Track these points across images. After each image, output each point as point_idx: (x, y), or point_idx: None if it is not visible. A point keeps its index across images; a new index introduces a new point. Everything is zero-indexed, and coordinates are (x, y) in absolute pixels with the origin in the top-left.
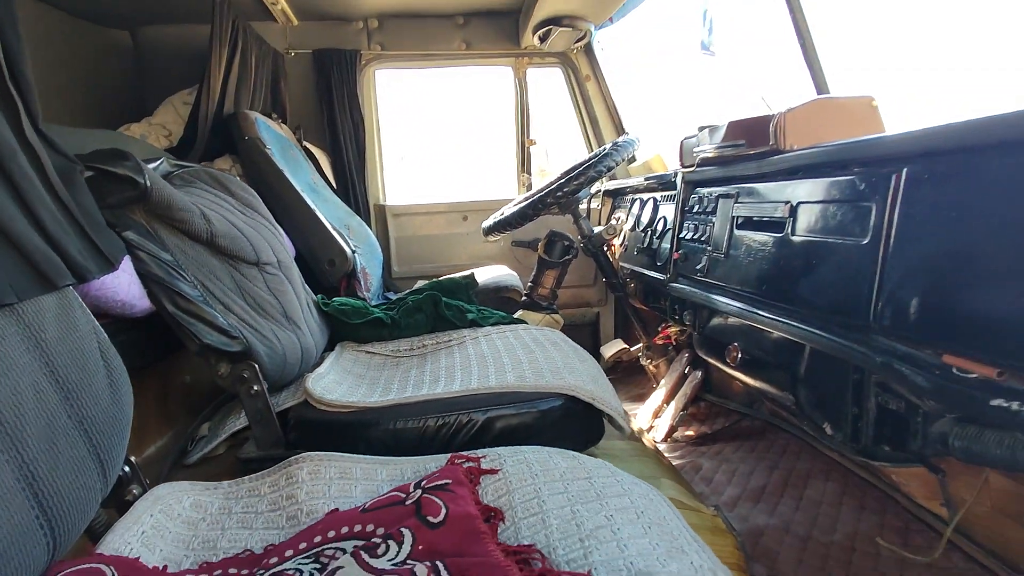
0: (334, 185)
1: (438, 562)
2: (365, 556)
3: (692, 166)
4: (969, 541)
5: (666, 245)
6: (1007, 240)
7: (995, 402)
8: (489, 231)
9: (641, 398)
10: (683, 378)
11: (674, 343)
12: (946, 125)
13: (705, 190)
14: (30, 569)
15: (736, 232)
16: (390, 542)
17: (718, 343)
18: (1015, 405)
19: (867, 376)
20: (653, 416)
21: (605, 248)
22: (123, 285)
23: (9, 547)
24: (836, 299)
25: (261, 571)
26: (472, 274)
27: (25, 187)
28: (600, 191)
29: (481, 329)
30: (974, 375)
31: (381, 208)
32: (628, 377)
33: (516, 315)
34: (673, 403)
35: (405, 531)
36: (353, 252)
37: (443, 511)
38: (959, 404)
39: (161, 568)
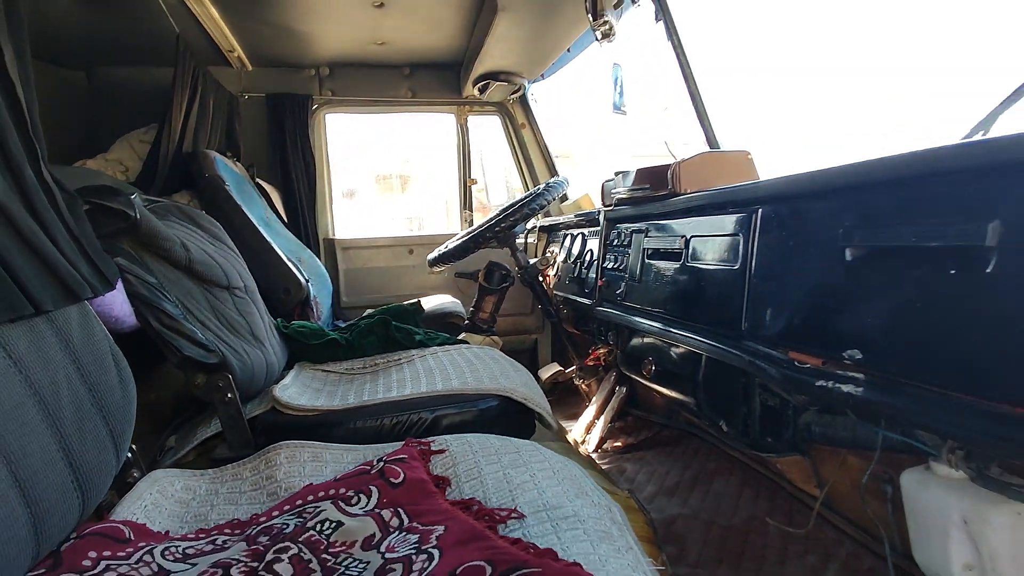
0: (285, 220)
1: (399, 508)
2: (342, 504)
3: (611, 205)
4: (836, 514)
5: (592, 274)
6: (822, 264)
7: (819, 383)
8: (434, 263)
9: (576, 416)
10: (611, 395)
11: (603, 363)
12: (784, 177)
13: (622, 226)
14: (67, 524)
15: (647, 261)
16: (360, 495)
17: (637, 359)
18: (830, 384)
19: (751, 378)
20: (585, 431)
21: (540, 278)
22: (117, 303)
23: (53, 503)
24: (719, 314)
25: (251, 527)
26: (418, 301)
27: (47, 217)
28: (536, 227)
29: (428, 348)
30: (808, 365)
31: (331, 242)
32: (564, 398)
33: (459, 337)
34: (603, 418)
35: (372, 488)
36: (307, 281)
37: (401, 475)
38: (797, 387)
39: (164, 533)
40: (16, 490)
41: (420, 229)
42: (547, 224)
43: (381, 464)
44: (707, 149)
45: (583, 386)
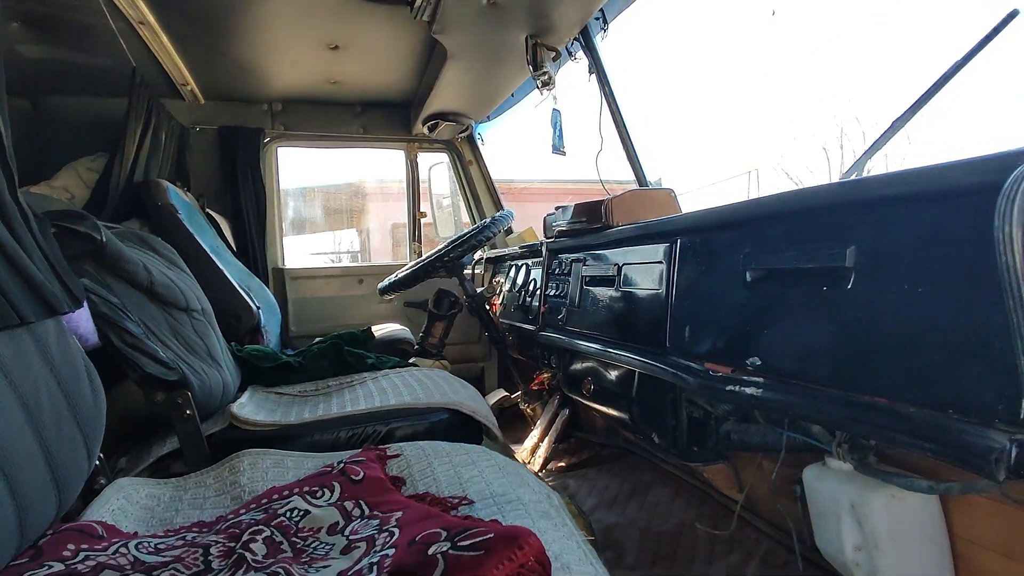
0: (235, 249)
1: (360, 500)
2: (308, 497)
3: (553, 237)
4: (755, 516)
5: (536, 302)
6: (728, 285)
7: (728, 388)
8: (385, 291)
9: (522, 440)
10: (555, 417)
11: (546, 388)
12: (697, 211)
13: (562, 256)
14: (45, 520)
15: (584, 288)
16: (324, 490)
17: (578, 380)
18: (738, 388)
19: (679, 392)
20: (530, 452)
21: (487, 307)
22: (82, 321)
23: (35, 499)
24: (647, 333)
25: (219, 524)
26: (369, 328)
27: (23, 237)
28: (483, 258)
29: (379, 371)
30: (720, 373)
31: (280, 271)
32: (510, 423)
33: (410, 361)
34: (547, 439)
35: (335, 484)
36: (258, 308)
37: (361, 473)
38: (713, 394)
39: (133, 533)
40: (4, 482)
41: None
42: (493, 256)
43: (341, 465)
44: (636, 187)
45: (528, 410)
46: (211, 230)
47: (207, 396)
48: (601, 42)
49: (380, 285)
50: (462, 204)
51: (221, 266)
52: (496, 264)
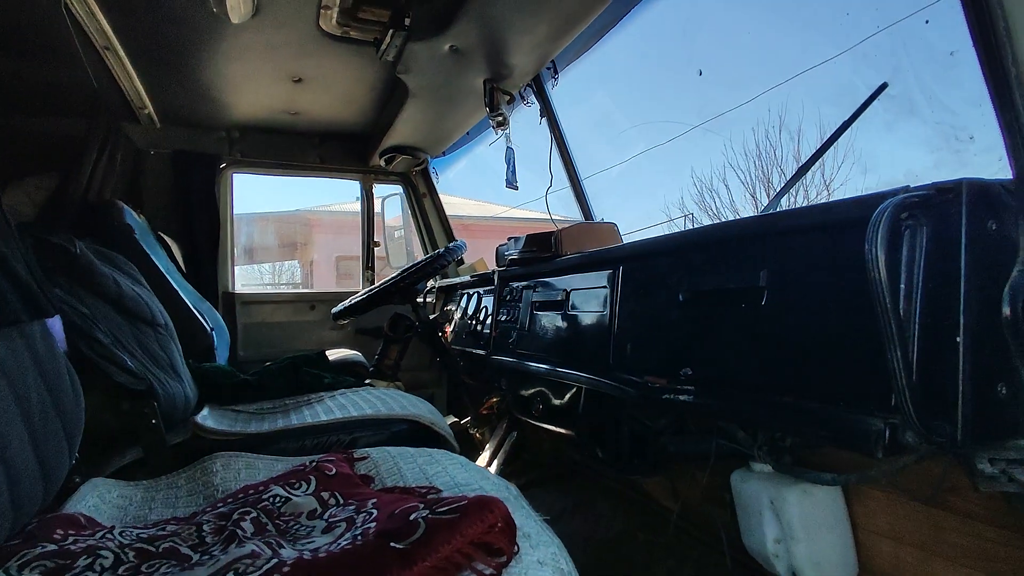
0: (184, 271)
1: (335, 492)
2: (286, 487)
3: (504, 266)
4: (690, 523)
5: (487, 329)
6: (664, 305)
7: (665, 396)
8: (339, 315)
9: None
10: (504, 440)
11: (495, 412)
12: (637, 241)
13: (514, 283)
14: (33, 507)
15: (534, 313)
16: (301, 482)
17: (527, 402)
18: (673, 396)
19: (621, 409)
20: None
21: (439, 333)
22: (56, 328)
23: (26, 486)
24: (593, 351)
25: (198, 517)
26: (323, 351)
27: (11, 243)
28: (435, 287)
29: (336, 390)
30: (657, 385)
31: (230, 295)
32: (460, 447)
33: (365, 382)
34: (496, 461)
35: (311, 477)
36: (211, 329)
37: (333, 470)
38: (652, 404)
39: (110, 527)
40: (3, 466)
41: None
42: (445, 285)
43: (314, 463)
44: (582, 220)
45: (477, 435)
46: (163, 252)
47: (171, 407)
48: (552, 89)
49: (335, 309)
50: (414, 236)
51: (176, 286)
52: (447, 293)
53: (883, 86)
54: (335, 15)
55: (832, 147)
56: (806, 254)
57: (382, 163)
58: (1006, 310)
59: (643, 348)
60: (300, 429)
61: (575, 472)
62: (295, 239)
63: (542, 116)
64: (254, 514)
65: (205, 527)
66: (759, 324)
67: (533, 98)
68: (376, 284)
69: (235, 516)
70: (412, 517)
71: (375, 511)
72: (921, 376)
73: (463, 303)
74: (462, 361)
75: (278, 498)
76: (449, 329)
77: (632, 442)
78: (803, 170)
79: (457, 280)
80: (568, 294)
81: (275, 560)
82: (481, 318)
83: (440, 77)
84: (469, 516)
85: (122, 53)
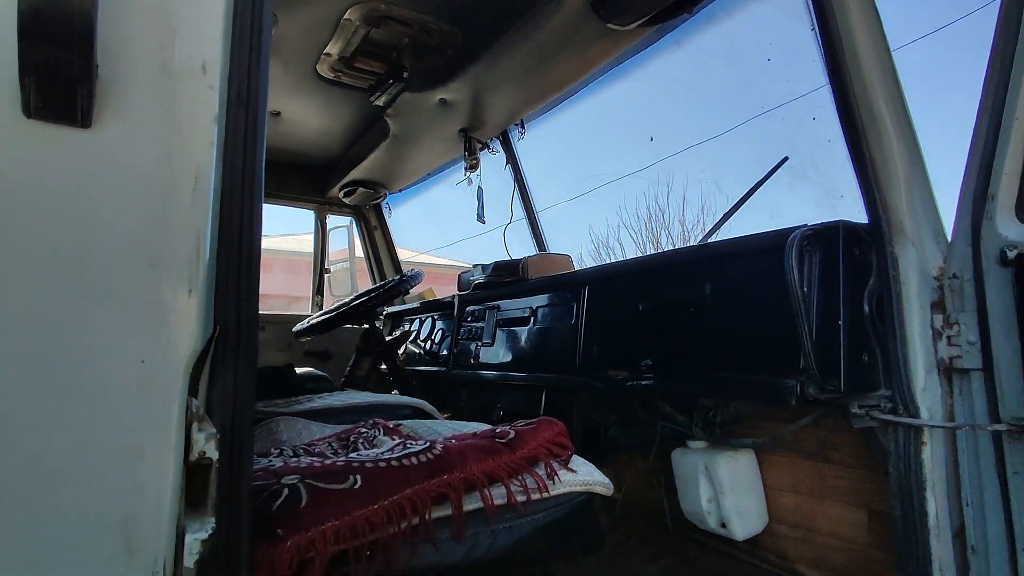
0: None
1: (404, 439)
2: (364, 431)
3: (467, 290)
4: (632, 506)
5: (445, 349)
6: (626, 314)
7: (628, 384)
8: (300, 333)
9: None
10: None
11: None
12: (602, 265)
13: (475, 306)
14: None
15: (499, 329)
16: (372, 431)
17: (487, 409)
18: (634, 383)
19: (577, 406)
20: None
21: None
22: None
23: None
24: (560, 356)
25: (310, 448)
26: (291, 364)
27: None
28: (383, 314)
29: (317, 395)
30: (620, 377)
31: None
32: None
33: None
34: None
35: (379, 426)
36: None
37: (390, 425)
38: (615, 392)
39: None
40: None
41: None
42: (393, 311)
43: (370, 421)
44: (539, 252)
45: None
46: None
47: None
48: (518, 141)
49: (296, 328)
50: (356, 267)
51: None
52: (396, 319)
53: (784, 159)
54: (333, 62)
55: (748, 200)
56: (740, 271)
57: (341, 195)
58: (865, 307)
59: (607, 349)
60: (327, 409)
61: None
62: None
63: (507, 164)
64: (360, 440)
65: (325, 447)
66: (705, 322)
67: (499, 148)
68: (338, 304)
69: (349, 439)
70: (500, 429)
71: (452, 442)
72: (818, 350)
73: (415, 327)
74: (415, 381)
75: (363, 436)
76: (401, 352)
77: (584, 436)
78: (725, 218)
79: (405, 308)
80: (535, 310)
81: (425, 443)
82: (437, 340)
83: (424, 123)
84: (542, 427)
85: None
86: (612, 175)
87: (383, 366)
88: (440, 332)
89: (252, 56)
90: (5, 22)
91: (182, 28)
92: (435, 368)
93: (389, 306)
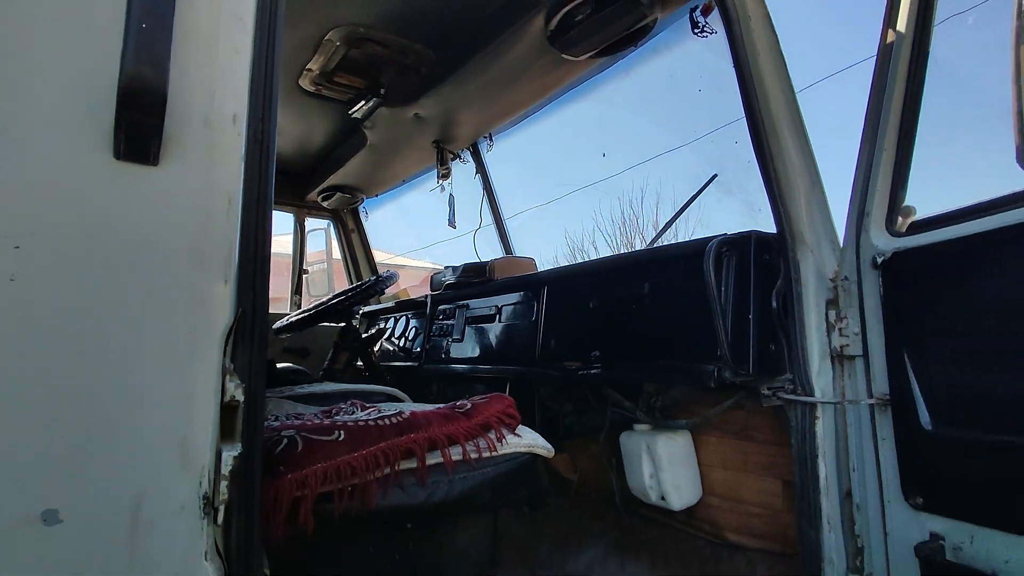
0: None
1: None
2: (344, 407)
3: (439, 290)
4: (588, 488)
5: (417, 346)
6: (580, 312)
7: (580, 373)
8: (280, 331)
9: None
10: None
11: None
12: (560, 267)
13: (447, 305)
14: None
15: (467, 325)
16: (351, 407)
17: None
18: (585, 372)
19: (537, 396)
20: None
21: (369, 350)
22: None
23: None
24: (522, 349)
25: (295, 420)
26: (272, 359)
27: None
28: (359, 313)
29: (296, 384)
30: (574, 367)
31: None
32: None
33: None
34: None
35: (356, 403)
36: None
37: (362, 405)
38: (570, 380)
39: None
40: None
41: None
42: (369, 311)
43: (349, 400)
44: (505, 255)
45: None
46: None
47: None
48: (487, 152)
49: (275, 325)
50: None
51: None
52: (371, 318)
53: (714, 176)
54: (314, 76)
55: (684, 213)
56: (673, 273)
57: (319, 199)
58: (773, 304)
59: (563, 343)
60: (309, 395)
61: None
62: None
63: (476, 173)
64: (341, 412)
65: (312, 416)
66: (644, 317)
67: (470, 158)
68: (316, 304)
69: (332, 411)
70: (459, 403)
71: (418, 410)
72: (732, 340)
73: (390, 326)
74: (389, 375)
75: (343, 411)
76: (376, 348)
77: (544, 423)
78: (663, 230)
79: (381, 307)
80: (500, 308)
81: (397, 410)
82: (410, 337)
83: (400, 134)
84: (494, 400)
85: None
86: (577, 185)
87: (359, 362)
88: (414, 330)
89: (266, 107)
90: (98, 93)
91: (218, 92)
92: (408, 363)
93: (365, 305)
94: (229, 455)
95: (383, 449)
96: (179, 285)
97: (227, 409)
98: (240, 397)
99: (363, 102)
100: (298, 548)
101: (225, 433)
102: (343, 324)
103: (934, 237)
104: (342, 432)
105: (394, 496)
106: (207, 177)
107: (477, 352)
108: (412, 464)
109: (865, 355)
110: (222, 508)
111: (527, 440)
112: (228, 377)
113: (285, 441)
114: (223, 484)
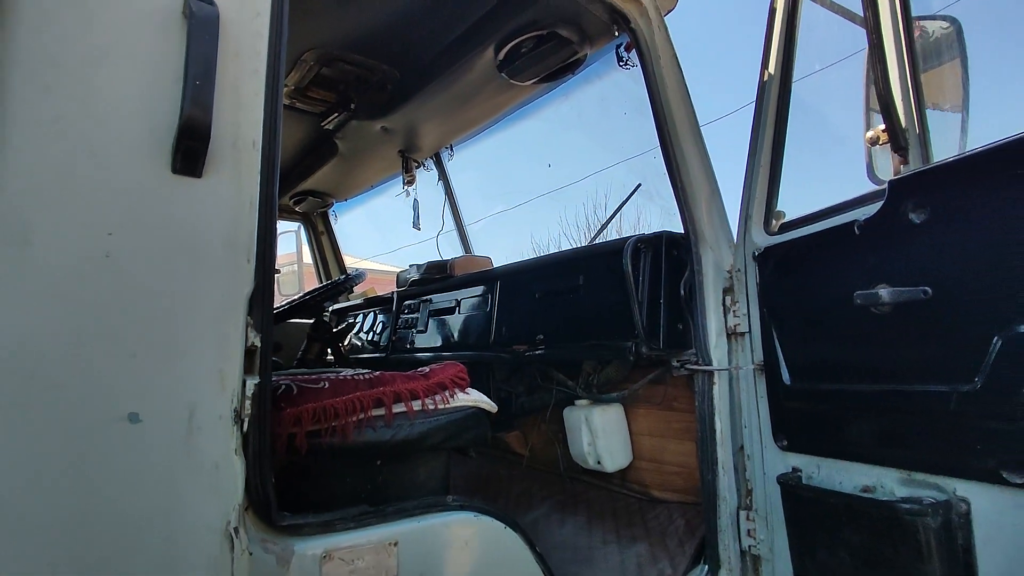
0: None
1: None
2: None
3: (404, 286)
4: (538, 461)
5: (384, 339)
6: (527, 301)
7: (527, 354)
8: None
9: None
10: None
11: None
12: (511, 264)
13: (412, 300)
14: None
15: (430, 318)
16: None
17: None
18: (531, 353)
19: (492, 378)
20: None
21: (339, 344)
22: None
23: None
24: (477, 336)
25: None
26: None
27: None
28: (329, 310)
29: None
30: (522, 349)
31: None
32: None
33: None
34: None
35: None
36: None
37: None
38: (519, 362)
39: None
40: None
41: None
42: (338, 308)
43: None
44: (465, 254)
45: None
46: None
47: None
48: (449, 160)
49: None
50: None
51: None
52: (340, 315)
53: (638, 186)
54: (289, 91)
55: (616, 218)
56: (601, 267)
57: (291, 203)
58: (681, 291)
59: (512, 329)
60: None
61: None
62: None
63: (439, 180)
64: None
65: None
66: (578, 304)
67: (433, 166)
68: (287, 302)
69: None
70: (420, 368)
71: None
72: (647, 321)
73: (359, 321)
74: (358, 367)
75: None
76: (345, 343)
77: (499, 405)
78: (600, 230)
79: (350, 304)
80: (459, 301)
81: (365, 372)
82: (378, 331)
83: (368, 145)
84: (448, 366)
85: None
86: (529, 190)
87: (330, 355)
88: (381, 324)
89: (273, 134)
90: (161, 126)
91: (242, 124)
92: (376, 355)
93: (335, 303)
94: (251, 383)
95: (359, 397)
96: (217, 263)
97: (249, 351)
98: (258, 343)
99: (335, 115)
100: (293, 476)
101: (248, 368)
102: (314, 319)
103: (794, 235)
104: (327, 383)
105: (367, 434)
106: (235, 186)
107: (439, 341)
108: (381, 411)
109: (751, 332)
110: (246, 420)
111: (474, 397)
112: (250, 328)
113: (283, 386)
114: (247, 403)
